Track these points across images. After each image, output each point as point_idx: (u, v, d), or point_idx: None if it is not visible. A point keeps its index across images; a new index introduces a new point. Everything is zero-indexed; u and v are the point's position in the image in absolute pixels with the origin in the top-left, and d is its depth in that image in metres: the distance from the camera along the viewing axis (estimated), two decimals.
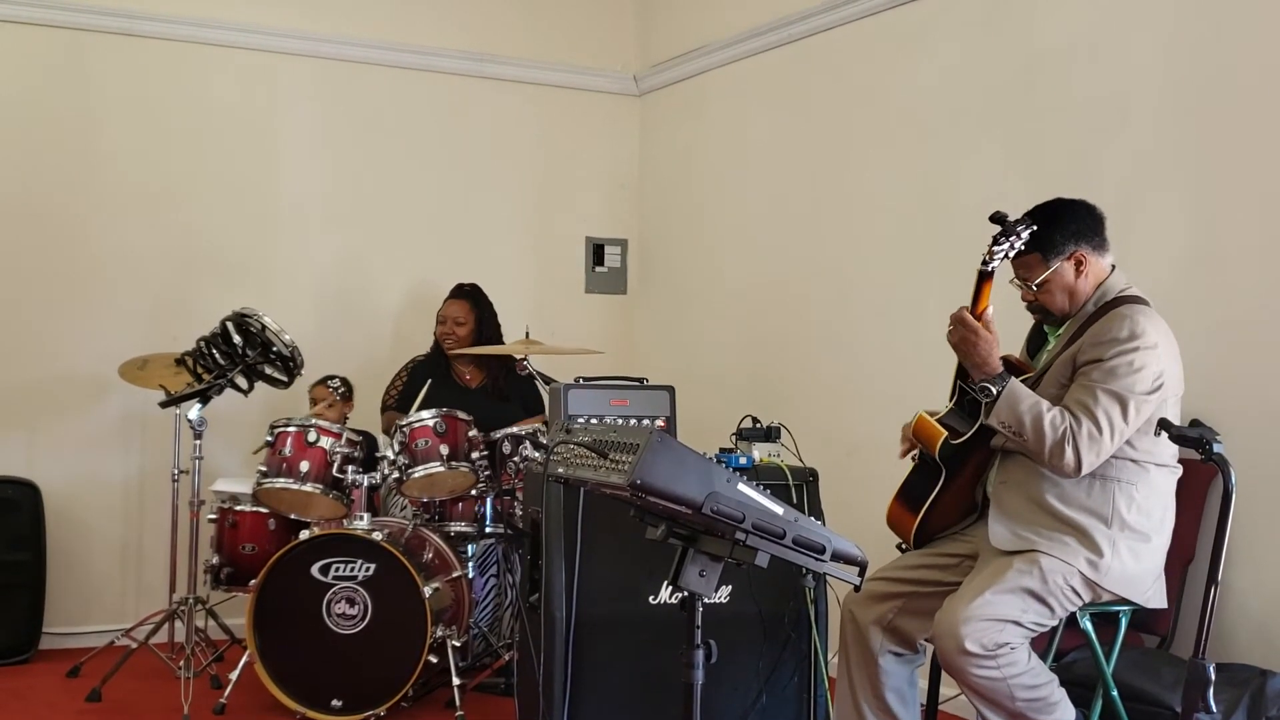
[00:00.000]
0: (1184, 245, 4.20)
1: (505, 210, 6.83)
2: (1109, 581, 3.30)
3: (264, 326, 4.91)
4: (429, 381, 5.49)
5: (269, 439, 5.06)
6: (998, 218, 3.31)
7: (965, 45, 5.07)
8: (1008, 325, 3.48)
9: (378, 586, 4.73)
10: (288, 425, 5.06)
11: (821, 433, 4.83)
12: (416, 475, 5.02)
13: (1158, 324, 3.35)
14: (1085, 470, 3.27)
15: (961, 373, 3.49)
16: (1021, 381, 3.39)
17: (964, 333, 3.37)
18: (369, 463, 5.14)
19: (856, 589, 2.87)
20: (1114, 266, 3.51)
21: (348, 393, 5.67)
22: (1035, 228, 3.35)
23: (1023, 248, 3.34)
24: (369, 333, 6.48)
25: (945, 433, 3.47)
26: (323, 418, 5.46)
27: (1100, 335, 3.32)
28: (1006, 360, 3.48)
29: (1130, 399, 3.26)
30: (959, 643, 3.22)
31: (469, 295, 5.86)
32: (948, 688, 3.55)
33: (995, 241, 3.29)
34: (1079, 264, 3.43)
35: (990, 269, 3.32)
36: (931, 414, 3.55)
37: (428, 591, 4.70)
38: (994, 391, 3.32)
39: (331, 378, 5.65)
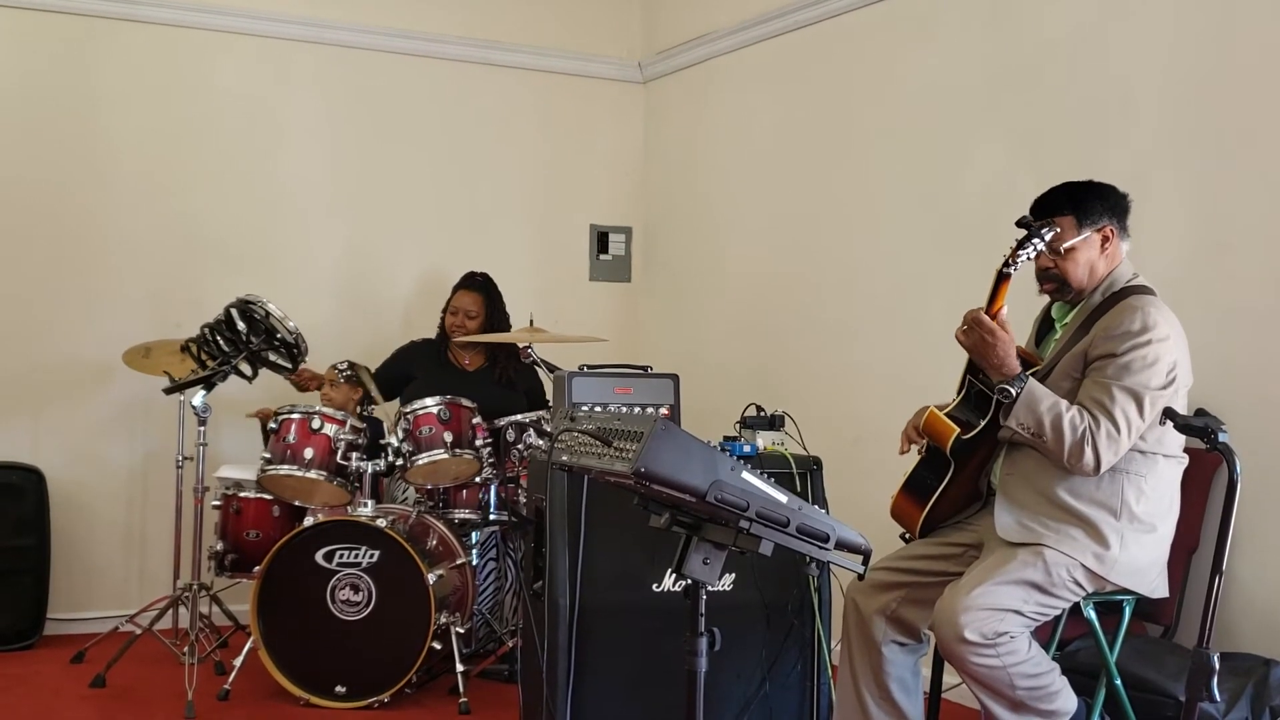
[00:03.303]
0: (1189, 235, 4.19)
1: (509, 197, 6.83)
2: (1115, 574, 3.30)
3: (268, 313, 4.92)
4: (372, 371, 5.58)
5: (273, 426, 5.07)
6: (1024, 222, 3.31)
7: (971, 33, 5.06)
8: (1017, 321, 3.46)
9: (381, 573, 4.74)
10: (292, 412, 5.07)
11: (826, 421, 4.82)
12: (421, 462, 5.02)
13: (1167, 315, 3.34)
14: (1104, 469, 3.26)
15: (971, 367, 3.48)
16: (1030, 374, 3.39)
17: (980, 334, 3.34)
18: (373, 449, 5.14)
19: (860, 577, 2.87)
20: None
21: (354, 376, 5.66)
22: (1059, 229, 3.34)
23: (1044, 242, 3.31)
24: (374, 319, 6.48)
25: (958, 429, 3.46)
26: (329, 399, 5.47)
27: (1112, 328, 3.31)
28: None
29: (1145, 395, 3.25)
30: (958, 631, 3.22)
31: (481, 287, 5.84)
32: (951, 676, 3.55)
33: (1020, 245, 3.28)
34: (1105, 240, 3.43)
35: (1011, 271, 3.31)
36: (940, 407, 3.54)
37: (431, 578, 4.70)
38: (1013, 394, 3.31)
39: (341, 362, 5.64)
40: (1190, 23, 4.23)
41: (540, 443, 5.06)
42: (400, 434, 5.06)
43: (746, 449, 4.07)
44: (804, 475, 4.09)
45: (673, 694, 3.00)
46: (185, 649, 4.81)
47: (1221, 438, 2.93)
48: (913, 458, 3.65)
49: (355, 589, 4.75)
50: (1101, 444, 3.24)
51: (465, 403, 5.13)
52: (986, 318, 3.34)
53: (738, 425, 4.24)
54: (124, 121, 6.05)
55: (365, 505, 4.90)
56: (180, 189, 6.14)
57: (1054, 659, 3.39)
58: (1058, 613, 3.37)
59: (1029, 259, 3.31)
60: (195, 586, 4.97)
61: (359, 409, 5.55)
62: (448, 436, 5.04)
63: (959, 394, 3.54)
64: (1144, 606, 3.64)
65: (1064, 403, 3.29)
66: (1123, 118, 4.43)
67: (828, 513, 2.71)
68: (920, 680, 3.66)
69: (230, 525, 5.21)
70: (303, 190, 6.37)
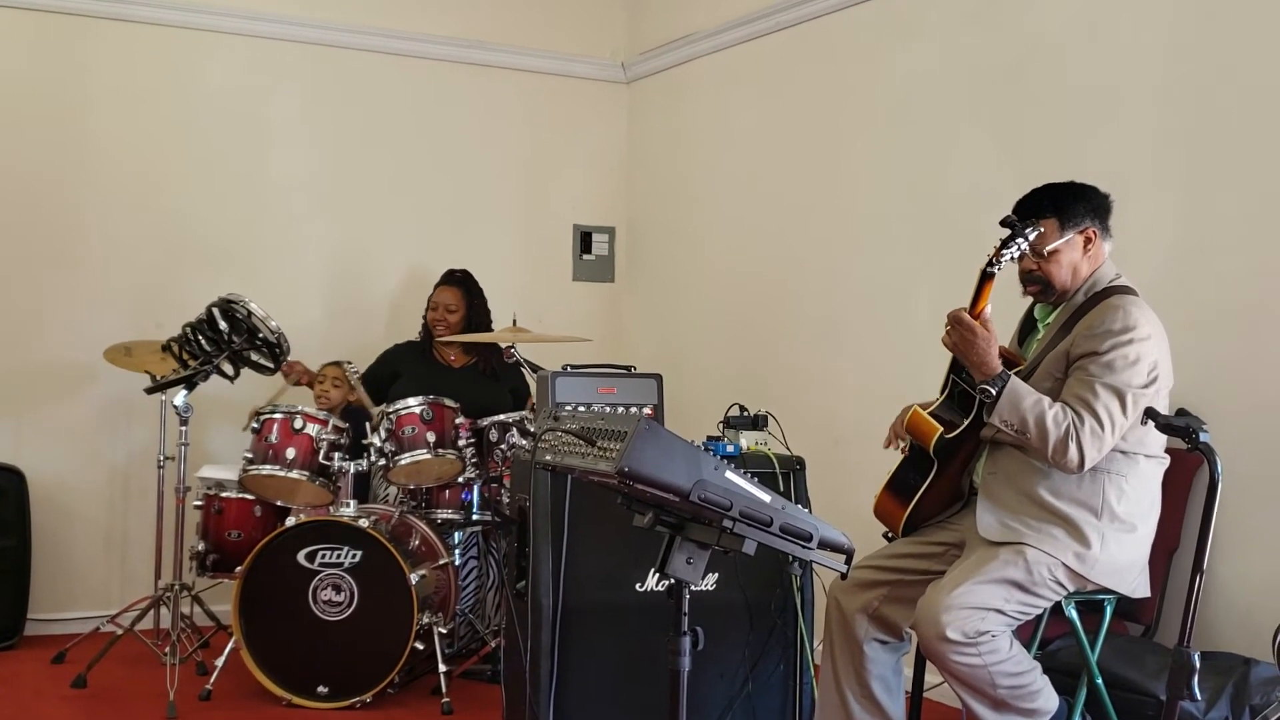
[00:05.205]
0: (1172, 236, 4.21)
1: (493, 197, 6.82)
2: (1095, 573, 3.31)
3: (250, 313, 4.90)
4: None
5: (255, 426, 5.06)
6: (1008, 222, 3.32)
7: (955, 33, 5.07)
8: (1000, 321, 3.47)
9: (364, 573, 4.73)
10: (274, 412, 5.06)
11: (809, 421, 4.83)
12: (403, 462, 5.02)
13: (1149, 315, 3.36)
14: (1088, 466, 3.27)
15: (955, 366, 3.49)
16: (1014, 374, 3.39)
17: (962, 332, 3.35)
18: (356, 449, 5.13)
19: (843, 576, 2.87)
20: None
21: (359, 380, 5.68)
22: (1042, 230, 3.36)
23: (1028, 241, 3.32)
24: (356, 319, 6.46)
25: (941, 428, 3.46)
26: (326, 396, 5.48)
27: (1094, 327, 3.32)
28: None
29: (1128, 393, 3.26)
30: (939, 630, 3.22)
31: (460, 282, 5.86)
32: (933, 675, 3.55)
33: (1004, 244, 3.29)
34: (1088, 241, 3.45)
35: (995, 271, 3.32)
36: (924, 406, 3.55)
37: (414, 579, 4.70)
38: (993, 392, 3.31)
39: (348, 361, 5.65)
40: (1175, 25, 4.24)
41: (524, 442, 5.06)
42: (383, 434, 5.05)
43: (730, 449, 4.07)
44: (787, 475, 4.09)
45: (656, 693, 3.00)
46: (167, 649, 4.79)
47: (1203, 438, 2.94)
48: (896, 456, 3.66)
49: (337, 589, 4.74)
50: (1086, 440, 3.25)
51: (448, 403, 5.13)
52: (967, 316, 3.35)
53: (721, 425, 4.24)
54: (109, 120, 6.03)
55: (347, 505, 4.89)
56: (165, 188, 6.12)
57: (1035, 658, 3.40)
58: (1039, 612, 3.38)
59: (1013, 259, 3.32)
60: (177, 587, 4.95)
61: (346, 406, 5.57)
62: (430, 436, 5.04)
63: (942, 393, 3.55)
64: (1125, 606, 3.66)
65: (1047, 400, 3.30)
66: (1106, 119, 4.44)
67: (811, 512, 2.72)
68: (902, 679, 3.66)
69: (212, 525, 5.20)
70: (287, 189, 6.36)
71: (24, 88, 5.90)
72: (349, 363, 5.64)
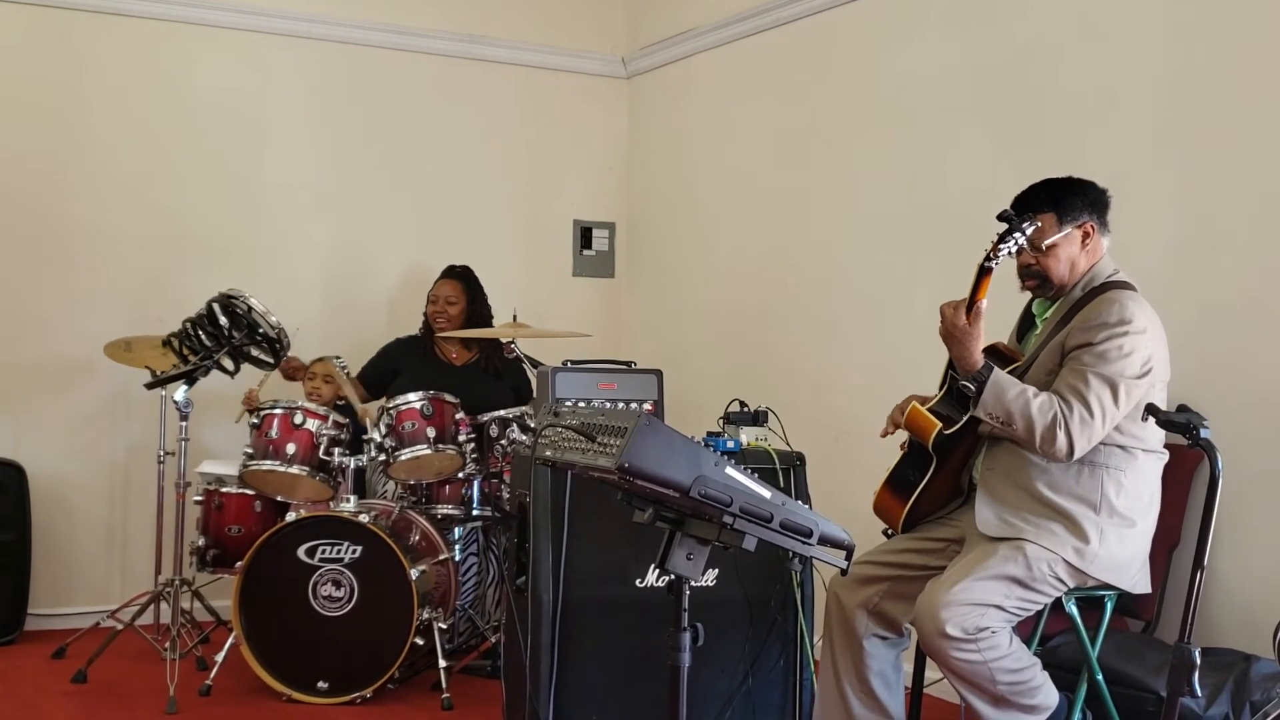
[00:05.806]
0: (1171, 233, 4.20)
1: (493, 193, 6.82)
2: (1095, 569, 3.31)
3: (250, 308, 4.90)
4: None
5: (254, 421, 5.05)
6: (1005, 216, 3.31)
7: (955, 31, 5.06)
8: (1000, 317, 3.46)
9: (364, 569, 4.73)
10: (274, 407, 5.05)
11: (809, 417, 4.83)
12: (403, 458, 5.02)
13: (1145, 309, 3.36)
14: (1078, 454, 3.28)
15: (953, 362, 3.49)
16: (1011, 370, 3.39)
17: (947, 327, 3.37)
18: (356, 445, 5.13)
19: (843, 573, 2.87)
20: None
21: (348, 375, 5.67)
22: (1040, 224, 3.36)
23: (1025, 236, 3.32)
24: (357, 315, 6.46)
25: (939, 424, 3.46)
26: (318, 393, 5.47)
27: (1090, 319, 3.33)
28: (994, 349, 3.48)
29: (1120, 383, 3.26)
30: (939, 626, 3.22)
31: (461, 276, 5.87)
32: (933, 672, 3.55)
33: (1001, 239, 3.28)
34: (1086, 236, 3.45)
35: (992, 265, 3.32)
36: (923, 401, 3.54)
37: (414, 574, 4.70)
38: (974, 388, 3.32)
39: (337, 356, 5.64)
40: (1173, 21, 4.24)
41: (524, 438, 5.06)
42: (383, 429, 5.05)
43: (730, 444, 4.07)
44: (787, 471, 4.09)
45: (656, 689, 3.00)
46: (167, 644, 4.79)
47: (1203, 433, 2.94)
48: (896, 452, 3.65)
49: (337, 584, 4.74)
50: (1075, 428, 3.25)
51: (448, 398, 5.13)
52: (954, 313, 3.35)
53: (721, 421, 4.24)
54: (108, 116, 6.02)
55: (348, 500, 4.89)
56: (164, 183, 6.11)
57: (1036, 654, 3.40)
58: (1039, 608, 3.37)
59: (1010, 253, 3.32)
60: (177, 582, 4.95)
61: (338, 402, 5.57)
62: (431, 432, 5.04)
63: (941, 389, 3.55)
64: (1126, 602, 3.66)
65: (1031, 389, 3.30)
66: (1105, 115, 4.44)
67: (811, 508, 2.71)
68: (901, 674, 3.66)
69: (212, 520, 5.20)
70: (287, 185, 6.35)
71: (23, 84, 5.89)
72: (338, 357, 5.63)
